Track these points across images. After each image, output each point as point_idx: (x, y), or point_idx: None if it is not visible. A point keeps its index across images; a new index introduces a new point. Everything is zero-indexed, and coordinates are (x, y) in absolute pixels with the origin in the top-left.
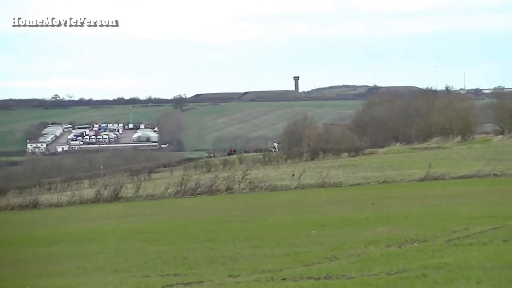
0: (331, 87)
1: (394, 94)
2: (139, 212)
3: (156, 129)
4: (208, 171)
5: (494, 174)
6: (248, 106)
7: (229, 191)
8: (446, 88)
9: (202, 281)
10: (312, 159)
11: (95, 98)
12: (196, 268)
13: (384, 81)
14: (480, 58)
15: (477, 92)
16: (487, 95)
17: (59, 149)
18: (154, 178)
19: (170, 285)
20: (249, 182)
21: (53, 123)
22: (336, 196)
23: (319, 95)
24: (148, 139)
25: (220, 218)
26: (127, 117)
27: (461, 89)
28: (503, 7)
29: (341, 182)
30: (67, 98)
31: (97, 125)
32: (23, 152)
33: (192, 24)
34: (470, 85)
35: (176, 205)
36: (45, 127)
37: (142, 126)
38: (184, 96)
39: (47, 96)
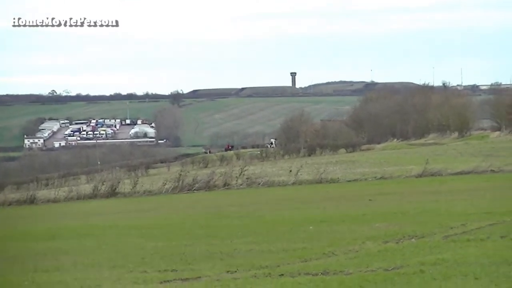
0: (328, 83)
1: (391, 90)
2: (136, 208)
3: (153, 124)
4: (206, 167)
5: (491, 170)
6: (245, 102)
7: (226, 187)
8: (443, 84)
9: (199, 277)
10: (309, 155)
11: (92, 93)
12: (194, 264)
13: (381, 77)
14: (477, 54)
15: (474, 88)
16: (484, 91)
17: (56, 144)
18: (151, 173)
19: (168, 281)
20: (247, 178)
21: (50, 119)
22: (333, 192)
23: (316, 91)
24: (145, 135)
25: (218, 214)
26: (124, 112)
27: (458, 85)
28: (500, 3)
29: (338, 178)
30: (64, 94)
31: (94, 121)
32: (20, 147)
33: (191, 23)
34: (467, 81)
35: (174, 201)
36: (42, 123)
37: (139, 121)
38: (181, 92)
39: (44, 91)
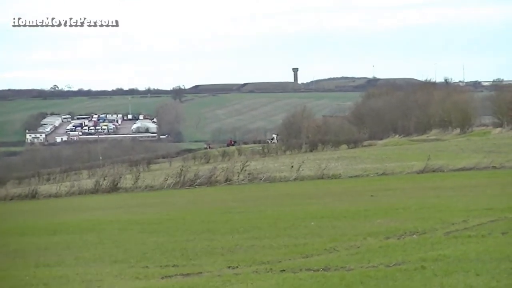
0: (330, 79)
1: (393, 86)
2: (138, 203)
3: (155, 120)
4: (207, 162)
5: (493, 166)
6: (247, 98)
7: (228, 183)
8: (445, 80)
9: (201, 272)
10: (311, 151)
11: (94, 88)
12: (195, 259)
13: (383, 73)
14: (479, 50)
15: (476, 85)
16: (486, 87)
17: (58, 139)
18: (153, 169)
19: (169, 276)
20: (248, 174)
21: (52, 114)
22: (335, 188)
23: (318, 87)
24: (147, 130)
25: (219, 209)
26: (126, 108)
27: (460, 81)
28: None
29: (340, 174)
30: (66, 89)
31: (96, 116)
32: (22, 142)
33: (192, 21)
34: (469, 78)
35: (175, 196)
36: (44, 118)
37: (141, 117)
38: (183, 87)
39: (46, 86)
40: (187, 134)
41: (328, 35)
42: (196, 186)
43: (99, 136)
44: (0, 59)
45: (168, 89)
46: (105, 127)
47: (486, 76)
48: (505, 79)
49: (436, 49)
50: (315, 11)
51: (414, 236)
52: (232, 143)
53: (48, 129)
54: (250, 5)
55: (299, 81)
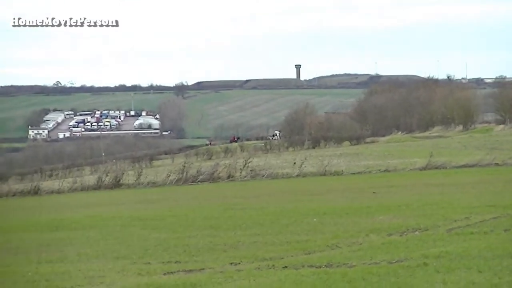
0: (332, 76)
1: (395, 83)
2: (140, 199)
3: (157, 116)
4: (210, 159)
5: (495, 163)
6: (250, 94)
7: (230, 179)
8: (448, 77)
9: (203, 269)
10: (313, 148)
11: (96, 85)
12: (197, 256)
13: (386, 70)
14: (482, 47)
15: (479, 82)
16: (488, 84)
17: (61, 135)
18: (155, 165)
19: (171, 272)
20: (251, 170)
21: (55, 110)
22: (337, 185)
23: (320, 84)
24: (149, 126)
25: (221, 206)
26: (129, 104)
27: (462, 78)
28: None
29: (342, 170)
30: (68, 85)
31: (99, 112)
32: (25, 138)
33: (193, 19)
34: (472, 75)
35: (177, 193)
36: (47, 114)
37: (143, 113)
38: (185, 84)
39: (49, 82)
40: (189, 131)
41: (331, 32)
42: (199, 183)
43: (102, 132)
44: (3, 55)
45: (171, 85)
46: (108, 123)
47: (488, 73)
48: (507, 76)
49: (439, 46)
50: (318, 8)
51: (417, 233)
52: (236, 139)
53: (50, 125)
54: (252, 3)
55: (302, 78)
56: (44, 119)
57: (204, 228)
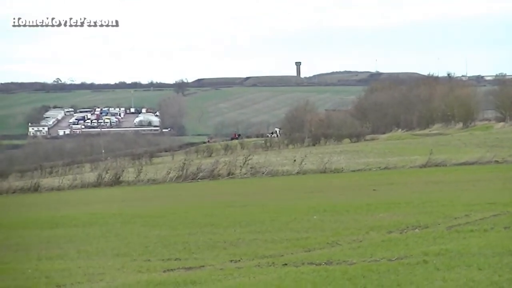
0: (332, 73)
1: (395, 80)
2: (140, 197)
3: (157, 113)
4: (210, 156)
5: (495, 161)
6: (250, 91)
7: (230, 176)
8: (448, 74)
9: (203, 266)
10: (313, 145)
11: (96, 82)
12: (197, 253)
13: (386, 67)
14: (482, 45)
15: (479, 79)
16: (489, 82)
17: (61, 132)
18: (155, 162)
19: (171, 270)
20: (251, 167)
21: (55, 107)
22: (337, 182)
23: (320, 81)
24: (149, 124)
25: (221, 203)
26: (129, 101)
27: (463, 76)
28: None
29: (342, 168)
30: (69, 82)
31: (99, 109)
32: (25, 135)
33: (192, 20)
34: (472, 72)
35: (177, 190)
36: (47, 111)
37: (143, 110)
38: (185, 81)
39: (49, 79)
40: (189, 128)
41: (331, 29)
42: (199, 180)
43: (102, 129)
44: (3, 52)
45: (171, 82)
46: (108, 121)
47: (489, 70)
48: (508, 74)
49: (439, 44)
50: (319, 6)
51: (417, 230)
52: (237, 136)
53: (50, 122)
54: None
55: (302, 75)
56: (44, 116)
57: (204, 225)
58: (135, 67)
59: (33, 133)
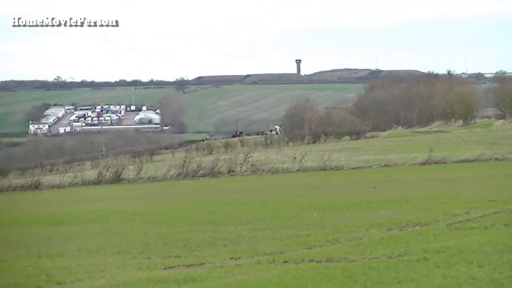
0: (333, 71)
1: (395, 77)
2: (141, 194)
3: (158, 111)
4: (210, 154)
5: (495, 158)
6: (250, 89)
7: (230, 174)
8: (448, 72)
9: (203, 263)
10: (313, 142)
11: (97, 80)
12: (198, 250)
13: (386, 65)
14: (482, 42)
15: (479, 77)
16: (488, 79)
17: (61, 130)
18: (155, 160)
19: (172, 267)
20: (251, 165)
21: (55, 105)
22: (337, 179)
23: (320, 78)
24: (150, 121)
25: (222, 201)
26: (129, 99)
27: (462, 73)
28: None
29: (342, 165)
30: (69, 80)
31: (99, 107)
32: (25, 133)
33: (192, 22)
34: (472, 69)
35: (178, 187)
36: (47, 108)
37: (144, 108)
38: (186, 79)
39: (50, 77)
40: (190, 125)
41: (331, 27)
42: (199, 177)
43: (102, 127)
44: (3, 50)
45: (171, 80)
46: (108, 118)
47: (488, 68)
48: (507, 71)
49: (439, 41)
50: (318, 4)
51: (417, 227)
52: (238, 133)
53: (51, 120)
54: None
55: (302, 73)
56: (45, 113)
57: (205, 222)
58: (135, 65)
59: (33, 130)
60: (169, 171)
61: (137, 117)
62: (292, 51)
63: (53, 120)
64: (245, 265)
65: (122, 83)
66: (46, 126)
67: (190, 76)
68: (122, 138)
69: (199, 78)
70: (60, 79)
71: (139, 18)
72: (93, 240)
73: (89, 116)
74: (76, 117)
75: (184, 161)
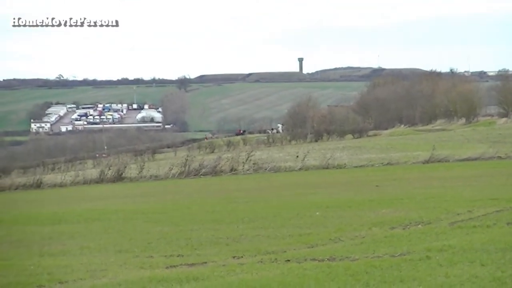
0: (335, 69)
1: (398, 76)
2: (143, 193)
3: (160, 109)
4: (212, 152)
5: (498, 156)
6: (252, 87)
7: (233, 172)
8: (451, 70)
9: (205, 262)
10: (316, 141)
11: (99, 78)
12: (200, 249)
13: (388, 63)
14: (484, 40)
15: (482, 75)
16: (491, 77)
17: (63, 129)
18: (157, 158)
19: (174, 266)
20: (253, 163)
21: (57, 103)
22: (340, 178)
23: (323, 77)
24: (152, 120)
25: (224, 199)
26: (131, 97)
27: (465, 71)
28: None
29: (345, 163)
30: (71, 78)
31: (101, 105)
32: (27, 132)
33: (192, 21)
34: (475, 68)
35: (180, 186)
36: (49, 107)
37: (146, 106)
38: (188, 77)
39: (51, 76)
40: (192, 124)
41: (334, 25)
42: (201, 176)
43: (104, 125)
44: (5, 48)
45: (173, 78)
46: (110, 117)
47: (491, 66)
48: (510, 69)
49: (442, 39)
50: (321, 3)
51: (419, 226)
52: (241, 132)
53: (53, 119)
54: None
55: (304, 71)
56: (47, 112)
57: (207, 221)
58: (137, 63)
59: (35, 129)
60: (171, 170)
61: (139, 116)
62: (294, 49)
63: (55, 119)
64: (248, 264)
65: (124, 82)
66: (48, 125)
67: (192, 74)
68: (124, 136)
69: (201, 76)
70: (62, 78)
71: (139, 18)
72: (95, 239)
73: (91, 115)
74: (78, 115)
75: (186, 159)
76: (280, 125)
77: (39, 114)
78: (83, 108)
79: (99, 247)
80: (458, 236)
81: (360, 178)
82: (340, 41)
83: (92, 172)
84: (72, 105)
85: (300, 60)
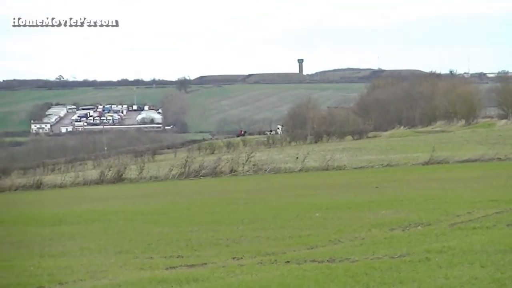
0: (335, 70)
1: (398, 77)
2: (143, 194)
3: (160, 110)
4: (212, 153)
5: (497, 158)
6: (252, 89)
7: (233, 173)
8: (450, 72)
9: (205, 263)
10: (316, 142)
11: (99, 79)
12: (200, 250)
13: (388, 64)
14: (484, 42)
15: (481, 76)
16: (491, 79)
17: (63, 130)
18: (157, 159)
19: (174, 267)
20: (253, 165)
21: (57, 104)
22: (339, 179)
23: (323, 78)
24: (152, 121)
25: (224, 200)
26: (131, 98)
27: (465, 73)
28: None
29: (345, 165)
30: (71, 79)
31: (101, 106)
32: (27, 132)
33: (192, 21)
34: (474, 69)
35: (180, 187)
36: (49, 108)
37: (146, 107)
38: (188, 78)
39: (51, 76)
40: (192, 125)
41: (333, 26)
42: (201, 177)
43: (104, 126)
44: (5, 49)
45: (173, 79)
46: (110, 118)
47: (491, 67)
48: (510, 71)
49: (441, 41)
50: (321, 3)
51: (419, 227)
52: (242, 133)
53: (53, 120)
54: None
55: (304, 72)
56: (47, 113)
57: (207, 222)
58: (137, 64)
59: (35, 130)
60: (171, 171)
61: (139, 117)
62: (294, 49)
63: (55, 120)
64: (247, 265)
65: (124, 83)
66: (48, 126)
67: (192, 75)
68: (124, 137)
69: (201, 77)
70: (62, 79)
71: (139, 18)
72: (95, 240)
73: (91, 116)
74: (78, 116)
75: (186, 160)
76: (280, 126)
77: (39, 115)
78: (83, 109)
79: (99, 248)
80: (457, 238)
81: (360, 180)
82: (340, 41)
83: (92, 173)
84: (72, 106)
85: (300, 61)
